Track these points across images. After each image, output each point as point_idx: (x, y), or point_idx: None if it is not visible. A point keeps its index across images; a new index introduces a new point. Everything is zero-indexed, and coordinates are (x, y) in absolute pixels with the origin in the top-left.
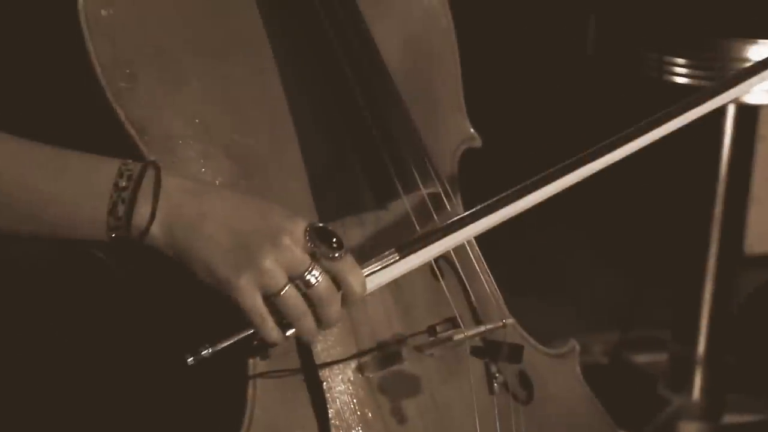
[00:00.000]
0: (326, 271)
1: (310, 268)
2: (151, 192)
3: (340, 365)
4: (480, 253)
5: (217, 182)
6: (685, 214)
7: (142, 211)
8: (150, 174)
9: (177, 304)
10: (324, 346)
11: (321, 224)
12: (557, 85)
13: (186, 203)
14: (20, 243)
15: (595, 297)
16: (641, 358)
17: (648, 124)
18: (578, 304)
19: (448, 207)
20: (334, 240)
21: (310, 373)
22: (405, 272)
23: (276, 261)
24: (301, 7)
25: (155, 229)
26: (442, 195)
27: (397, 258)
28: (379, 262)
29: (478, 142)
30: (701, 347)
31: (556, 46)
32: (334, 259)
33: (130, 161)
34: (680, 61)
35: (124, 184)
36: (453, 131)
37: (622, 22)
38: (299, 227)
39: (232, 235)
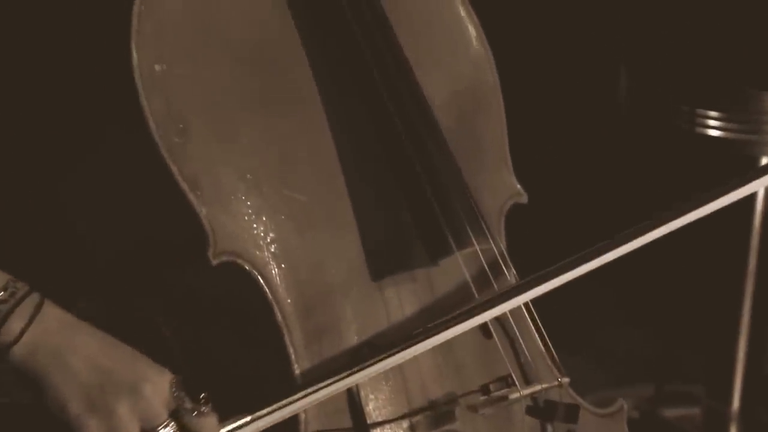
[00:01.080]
0: (184, 427)
1: (164, 424)
2: (29, 313)
3: (392, 424)
4: (534, 311)
5: (268, 238)
6: (718, 269)
7: (13, 327)
8: (34, 297)
9: None
10: (375, 405)
11: (187, 378)
12: (588, 137)
13: (58, 332)
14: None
15: (627, 352)
16: (674, 413)
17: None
18: (610, 360)
19: (500, 263)
20: (202, 396)
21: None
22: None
23: (131, 409)
24: (352, 62)
25: (19, 348)
26: (495, 251)
27: (248, 420)
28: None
29: (524, 198)
30: (735, 403)
31: (586, 97)
32: (199, 414)
33: (20, 282)
34: (713, 113)
35: (5, 297)
36: (500, 186)
37: (653, 73)
38: (165, 378)
39: (94, 372)
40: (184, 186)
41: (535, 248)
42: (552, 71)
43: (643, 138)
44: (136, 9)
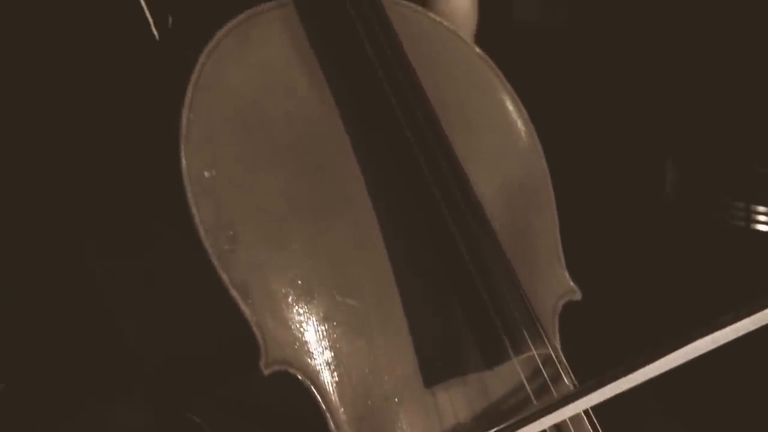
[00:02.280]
0: None
1: None
2: None
3: None
4: (594, 417)
5: (320, 346)
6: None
7: None
8: None
9: None
10: None
11: None
12: (635, 230)
13: None
14: (115, 407)
15: None
16: None
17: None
18: None
19: (558, 367)
20: None
21: None
22: None
23: None
24: (402, 162)
25: None
26: (553, 355)
27: None
28: None
29: (578, 295)
30: None
31: (634, 190)
32: None
33: None
34: (763, 209)
35: None
36: (554, 284)
37: (702, 168)
38: None
39: None
40: (235, 294)
41: (589, 347)
42: (599, 164)
43: (694, 233)
44: (185, 115)
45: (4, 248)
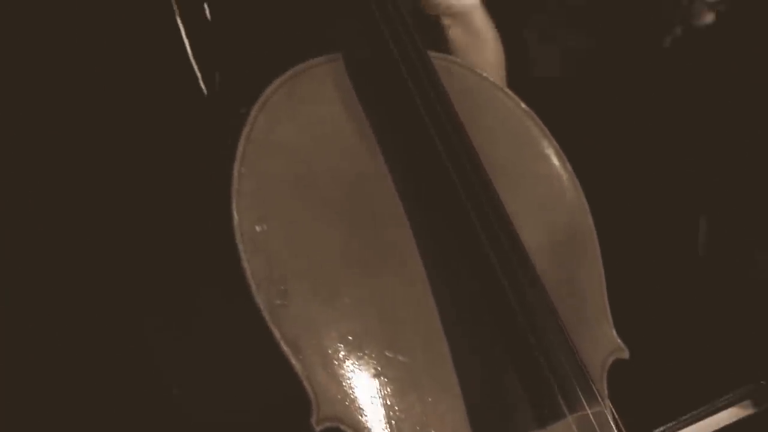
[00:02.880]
0: None
1: None
2: None
3: None
4: None
5: (371, 402)
6: None
7: None
8: None
9: None
10: None
11: None
12: (669, 286)
13: None
14: None
15: None
16: None
17: None
18: None
19: (612, 426)
20: None
21: None
22: None
23: None
24: (452, 215)
25: None
26: (606, 413)
27: None
28: None
29: (625, 354)
30: None
31: (666, 247)
32: None
33: None
34: None
35: None
36: (602, 341)
37: (738, 225)
38: None
39: None
40: (286, 349)
41: (633, 403)
42: (632, 219)
43: (726, 289)
44: (236, 169)
45: (55, 301)
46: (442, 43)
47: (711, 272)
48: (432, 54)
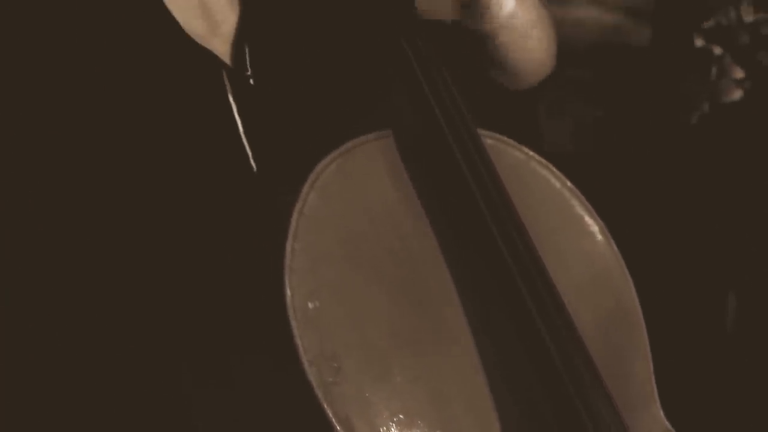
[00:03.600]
0: None
1: None
2: None
3: None
4: None
5: None
6: None
7: None
8: None
9: None
10: None
11: None
12: (698, 365)
13: None
14: None
15: None
16: None
17: None
18: None
19: None
20: None
21: None
22: None
23: None
24: (504, 294)
25: None
26: None
27: None
28: None
29: None
30: None
31: (694, 324)
32: None
33: None
34: None
35: None
36: (651, 424)
37: (764, 302)
38: None
39: None
40: (339, 428)
41: None
42: (659, 294)
43: (753, 365)
44: (289, 245)
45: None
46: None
47: (740, 349)
48: (480, 132)
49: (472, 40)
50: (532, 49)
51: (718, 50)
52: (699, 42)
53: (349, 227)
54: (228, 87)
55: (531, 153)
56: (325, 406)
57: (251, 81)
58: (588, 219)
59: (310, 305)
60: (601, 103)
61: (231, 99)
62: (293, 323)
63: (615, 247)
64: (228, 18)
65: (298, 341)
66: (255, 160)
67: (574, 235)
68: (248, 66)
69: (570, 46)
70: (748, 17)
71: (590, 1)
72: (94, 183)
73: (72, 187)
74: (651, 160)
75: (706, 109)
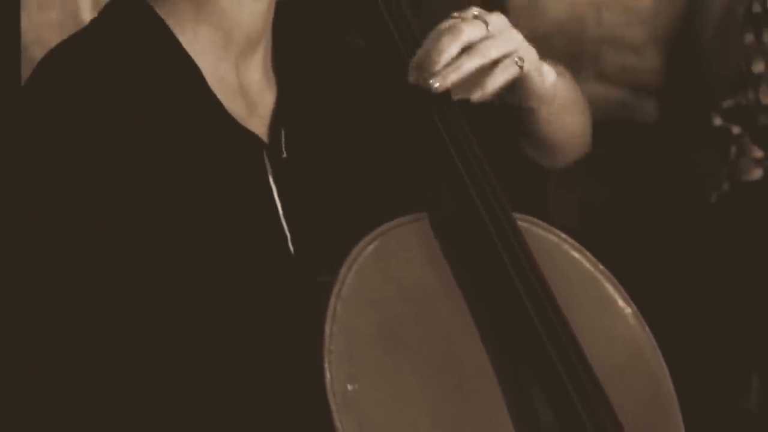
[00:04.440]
0: None
1: None
2: None
3: None
4: None
5: None
6: None
7: None
8: None
9: None
10: None
11: None
12: None
13: None
14: None
15: None
16: None
17: None
18: None
19: None
20: None
21: None
22: None
23: None
24: (542, 376)
25: None
26: None
27: None
28: None
29: None
30: None
31: (718, 404)
32: None
33: None
34: None
35: None
36: None
37: None
38: None
39: None
40: None
41: None
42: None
43: None
44: (328, 327)
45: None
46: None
47: (764, 429)
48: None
49: (511, 115)
50: (571, 125)
51: (737, 129)
52: (718, 121)
53: (387, 310)
54: (268, 168)
55: (563, 236)
56: None
57: (288, 163)
58: (621, 302)
59: (349, 387)
60: (611, 178)
61: (271, 181)
62: (333, 406)
63: (648, 331)
64: (265, 99)
65: (338, 424)
66: (293, 243)
67: (608, 318)
68: (284, 149)
69: None
70: (767, 99)
71: (596, 77)
72: (132, 257)
73: (111, 260)
74: (669, 238)
75: (726, 188)
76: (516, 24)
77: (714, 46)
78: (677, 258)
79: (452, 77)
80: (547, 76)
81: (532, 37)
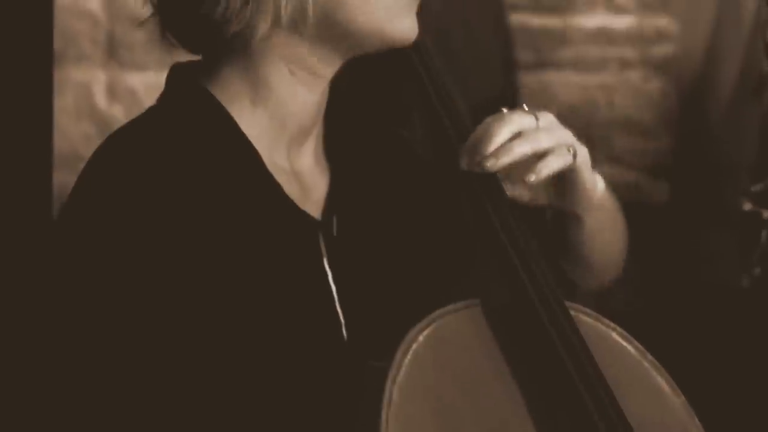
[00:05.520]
0: None
1: None
2: None
3: None
4: None
5: None
6: None
7: None
8: None
9: None
10: None
11: None
12: None
13: None
14: None
15: None
16: None
17: None
18: None
19: None
20: None
21: None
22: None
23: None
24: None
25: None
26: None
27: None
28: None
29: None
30: None
31: None
32: None
33: None
34: None
35: None
36: None
37: None
38: None
39: None
40: None
41: None
42: None
43: None
44: (384, 414)
45: None
46: None
47: None
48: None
49: (556, 223)
50: (610, 245)
51: (767, 214)
52: (747, 206)
53: (442, 397)
54: (324, 252)
55: (612, 324)
56: None
57: (342, 247)
58: (671, 393)
59: None
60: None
61: (326, 265)
62: None
63: (698, 422)
64: (317, 185)
65: None
66: (346, 327)
67: (659, 408)
68: (335, 233)
69: None
70: None
71: (608, 159)
72: (191, 343)
73: (171, 348)
74: (700, 321)
75: (758, 273)
76: (530, 106)
77: (725, 128)
78: (711, 342)
79: (504, 159)
80: (598, 183)
81: None
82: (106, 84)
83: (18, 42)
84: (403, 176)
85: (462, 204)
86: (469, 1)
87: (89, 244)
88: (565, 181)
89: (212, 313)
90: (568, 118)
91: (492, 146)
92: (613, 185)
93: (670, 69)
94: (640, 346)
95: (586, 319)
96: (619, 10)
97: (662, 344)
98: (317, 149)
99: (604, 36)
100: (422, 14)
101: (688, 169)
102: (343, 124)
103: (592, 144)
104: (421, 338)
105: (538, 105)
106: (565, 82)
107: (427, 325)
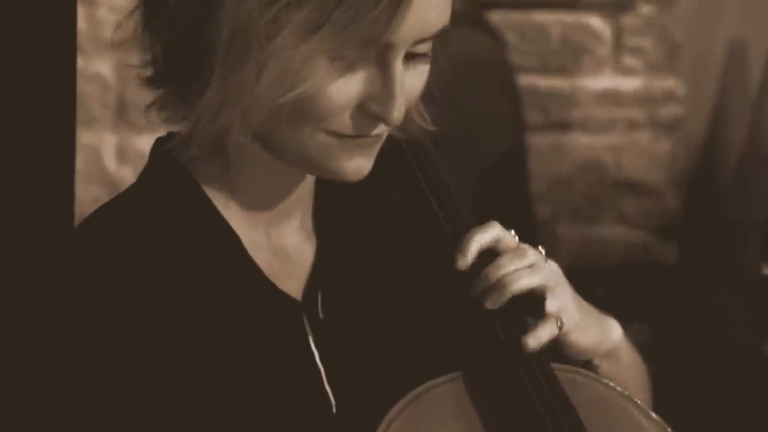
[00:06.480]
0: None
1: None
2: None
3: None
4: None
5: None
6: None
7: None
8: None
9: None
10: None
11: None
12: None
13: None
14: None
15: None
16: None
17: None
18: None
19: None
20: None
21: None
22: None
23: None
24: None
25: None
26: None
27: None
28: None
29: None
30: None
31: None
32: None
33: None
34: None
35: None
36: None
37: None
38: None
39: None
40: None
41: None
42: None
43: None
44: None
45: None
46: None
47: None
48: (555, 366)
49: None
50: (630, 389)
51: None
52: (767, 270)
53: None
54: (309, 331)
55: (611, 384)
56: None
57: (327, 325)
58: None
59: None
60: (638, 321)
61: (312, 344)
62: None
63: None
64: (302, 260)
65: None
66: (336, 405)
67: None
68: (320, 310)
69: (598, 266)
70: None
71: (616, 220)
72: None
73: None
74: (720, 384)
75: None
76: (538, 166)
77: (734, 189)
78: (729, 408)
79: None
80: (615, 329)
81: (554, 180)
82: (115, 147)
83: (41, 105)
84: (392, 248)
85: (449, 285)
86: (479, 63)
87: (63, 334)
88: (560, 344)
89: (194, 404)
90: (576, 178)
91: (502, 298)
92: (621, 246)
93: (677, 130)
94: (641, 404)
95: (583, 380)
96: (626, 71)
97: (675, 409)
98: (304, 223)
99: (612, 97)
100: (433, 72)
101: (696, 230)
102: (334, 196)
103: (600, 204)
104: (401, 417)
105: (548, 165)
106: (573, 143)
107: (407, 403)
